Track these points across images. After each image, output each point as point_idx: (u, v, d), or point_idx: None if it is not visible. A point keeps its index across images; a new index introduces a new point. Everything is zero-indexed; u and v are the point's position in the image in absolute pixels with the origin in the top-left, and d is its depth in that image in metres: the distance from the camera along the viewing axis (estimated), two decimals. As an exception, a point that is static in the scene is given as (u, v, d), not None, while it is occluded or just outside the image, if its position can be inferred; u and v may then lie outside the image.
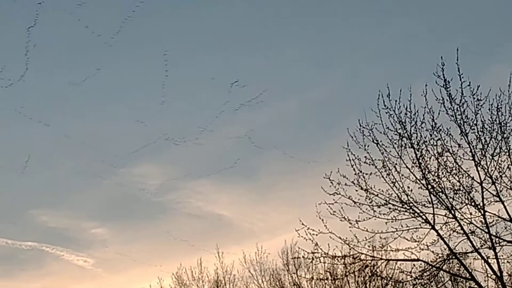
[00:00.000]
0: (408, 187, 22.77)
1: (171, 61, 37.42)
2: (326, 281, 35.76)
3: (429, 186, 22.60)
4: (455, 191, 22.58)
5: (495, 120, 22.08)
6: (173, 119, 49.55)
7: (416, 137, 22.61)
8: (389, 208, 22.93)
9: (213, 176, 49.92)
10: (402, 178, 22.78)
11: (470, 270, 23.75)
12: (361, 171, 23.14)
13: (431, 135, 22.50)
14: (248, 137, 43.30)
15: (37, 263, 56.06)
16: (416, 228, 22.91)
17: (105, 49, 37.87)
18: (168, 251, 55.30)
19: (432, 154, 22.59)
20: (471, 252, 22.90)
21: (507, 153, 22.16)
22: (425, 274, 23.25)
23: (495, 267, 22.51)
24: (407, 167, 22.76)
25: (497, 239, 22.59)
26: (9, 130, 50.54)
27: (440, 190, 22.63)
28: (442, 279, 27.59)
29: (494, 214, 22.53)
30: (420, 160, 22.62)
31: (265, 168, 50.86)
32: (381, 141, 22.96)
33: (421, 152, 22.62)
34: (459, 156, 22.38)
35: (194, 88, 48.60)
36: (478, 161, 22.21)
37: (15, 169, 48.27)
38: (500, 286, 23.02)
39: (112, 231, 56.55)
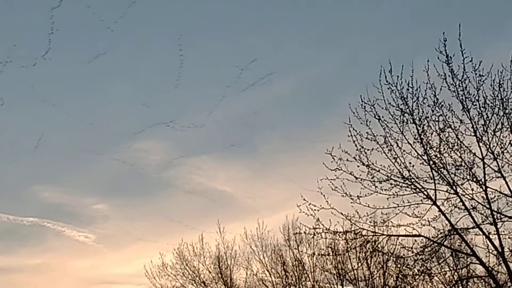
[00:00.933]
0: (410, 163, 22.85)
1: (185, 45, 37.26)
2: (327, 256, 35.80)
3: (431, 162, 22.61)
4: (457, 167, 22.61)
5: (497, 96, 22.03)
6: (178, 100, 49.61)
7: (418, 113, 22.62)
8: (391, 184, 23.01)
9: (214, 153, 50.01)
10: (404, 154, 22.85)
11: (472, 246, 23.80)
12: (362, 147, 23.19)
13: (433, 111, 22.51)
14: (249, 114, 43.33)
15: (38, 238, 56.29)
16: (417, 203, 23.00)
17: (109, 33, 37.72)
18: (169, 227, 55.59)
19: (434, 129, 22.60)
20: (473, 228, 22.98)
21: (509, 129, 22.12)
22: (426, 249, 23.33)
23: (497, 242, 22.58)
24: (408, 142, 22.79)
25: (498, 214, 22.64)
26: (22, 110, 50.63)
27: (441, 166, 22.65)
28: (444, 254, 27.64)
29: (496, 190, 22.60)
30: (422, 136, 22.62)
31: (266, 144, 50.89)
32: (383, 117, 22.99)
33: (423, 127, 22.61)
34: (461, 132, 22.41)
35: (199, 72, 48.54)
36: (480, 137, 22.21)
37: (25, 147, 48.43)
38: (501, 261, 23.09)
39: (113, 207, 56.69)
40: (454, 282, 28.94)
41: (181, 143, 51.78)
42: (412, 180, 22.82)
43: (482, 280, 30.90)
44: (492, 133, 22.15)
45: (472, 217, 22.72)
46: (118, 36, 43.89)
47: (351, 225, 23.75)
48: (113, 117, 51.23)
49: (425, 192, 22.84)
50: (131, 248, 55.28)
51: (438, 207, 22.78)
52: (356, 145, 23.20)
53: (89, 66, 42.48)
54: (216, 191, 53.59)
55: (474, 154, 22.42)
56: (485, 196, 22.50)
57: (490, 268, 23.62)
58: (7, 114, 46.22)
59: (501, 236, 22.59)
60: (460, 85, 22.04)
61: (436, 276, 26.56)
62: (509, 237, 23.51)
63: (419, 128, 22.61)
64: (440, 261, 25.55)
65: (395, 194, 22.98)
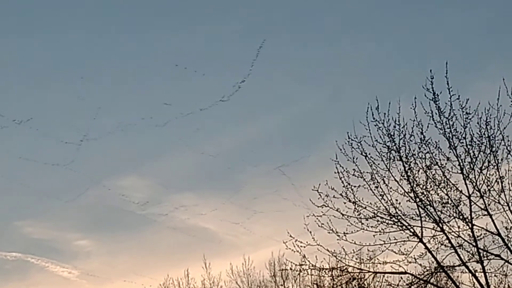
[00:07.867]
0: (396, 200, 22.82)
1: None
2: (313, 293, 35.68)
3: (417, 199, 22.62)
4: (443, 204, 22.60)
5: (484, 134, 22.10)
6: (158, 135, 49.62)
7: (405, 150, 22.66)
8: (377, 221, 22.96)
9: (198, 190, 49.83)
10: (390, 191, 22.83)
11: (458, 284, 23.75)
12: (349, 184, 23.17)
13: (419, 148, 22.55)
14: (233, 151, 43.37)
15: (21, 274, 55.66)
16: (404, 241, 22.94)
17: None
18: (154, 262, 55.03)
19: (421, 167, 22.62)
20: (459, 265, 22.91)
21: (495, 167, 22.18)
22: (412, 287, 23.23)
23: (483, 280, 22.53)
24: (395, 179, 22.79)
25: (484, 252, 22.60)
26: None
27: (428, 203, 22.65)
28: (430, 292, 27.47)
29: (482, 228, 22.56)
30: (408, 173, 22.64)
31: (250, 181, 50.71)
32: (369, 154, 23.01)
33: (410, 165, 22.64)
34: (448, 169, 22.43)
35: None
36: (467, 175, 22.25)
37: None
38: (487, 299, 23.03)
39: (96, 243, 56.23)
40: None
41: (163, 179, 51.61)
42: (399, 217, 22.81)
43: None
44: (479, 170, 22.20)
45: (458, 255, 22.69)
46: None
47: (337, 262, 23.80)
48: (96, 154, 51.10)
49: (411, 230, 22.81)
50: (115, 284, 54.66)
51: (424, 244, 22.75)
52: (342, 182, 23.22)
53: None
54: (200, 228, 53.38)
55: (461, 191, 22.44)
56: (471, 234, 22.49)
57: (476, 306, 23.54)
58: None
59: (487, 274, 22.56)
60: (447, 122, 22.14)
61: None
62: (495, 275, 23.49)
63: (405, 165, 22.65)
64: (426, 299, 25.40)
65: (382, 231, 22.96)
